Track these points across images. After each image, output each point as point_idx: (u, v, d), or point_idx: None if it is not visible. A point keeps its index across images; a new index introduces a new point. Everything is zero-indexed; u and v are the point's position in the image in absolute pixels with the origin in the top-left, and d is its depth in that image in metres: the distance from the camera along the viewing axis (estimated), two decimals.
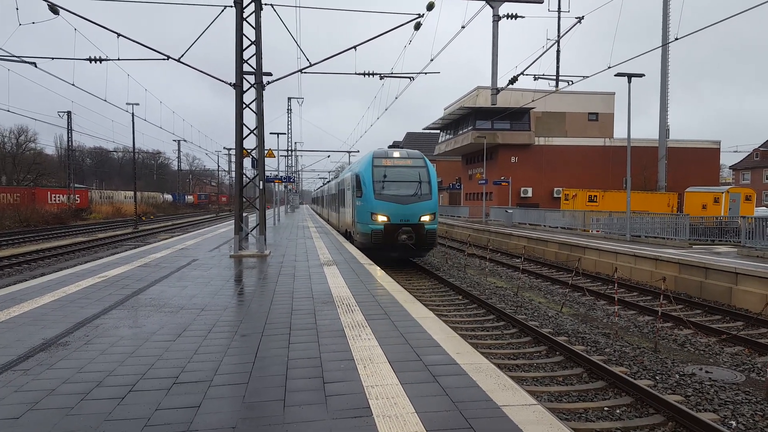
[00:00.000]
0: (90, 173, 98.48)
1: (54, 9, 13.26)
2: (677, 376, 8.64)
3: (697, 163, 46.87)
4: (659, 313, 11.53)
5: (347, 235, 23.21)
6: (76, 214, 55.11)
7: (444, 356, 5.52)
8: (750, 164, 79.71)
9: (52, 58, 15.92)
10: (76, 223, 49.71)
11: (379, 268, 12.75)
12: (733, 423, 6.91)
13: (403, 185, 19.52)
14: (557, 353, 9.69)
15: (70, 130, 61.13)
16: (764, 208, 52.60)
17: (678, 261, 16.61)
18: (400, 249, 19.27)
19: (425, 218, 19.18)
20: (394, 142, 23.47)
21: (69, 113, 60.73)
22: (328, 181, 52.38)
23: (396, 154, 20.40)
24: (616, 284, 13.51)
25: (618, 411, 7.22)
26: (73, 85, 17.27)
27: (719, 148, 49.49)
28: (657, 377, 8.60)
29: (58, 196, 56.91)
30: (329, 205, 38.76)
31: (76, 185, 61.92)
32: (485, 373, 4.96)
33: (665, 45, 30.67)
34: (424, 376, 4.89)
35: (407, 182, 19.61)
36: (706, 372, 8.99)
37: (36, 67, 16.17)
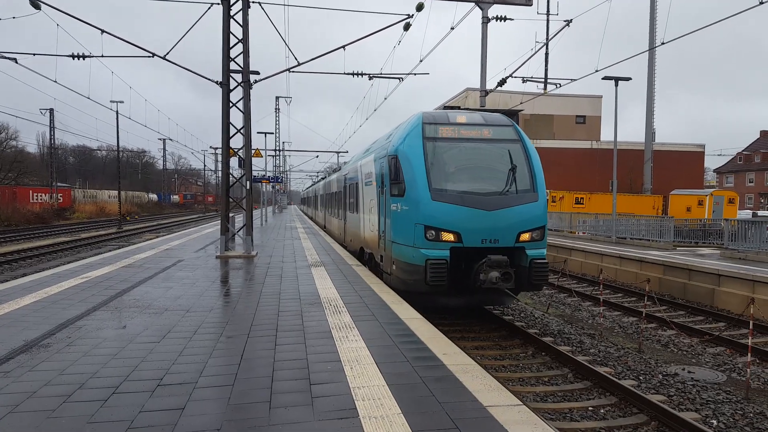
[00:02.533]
0: (73, 172, 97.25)
1: (35, 4, 13.06)
2: (660, 376, 8.74)
3: (681, 166, 47.47)
4: (643, 314, 11.65)
5: (364, 258, 14.32)
6: (59, 213, 54.40)
7: (431, 357, 5.52)
8: (733, 168, 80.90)
9: (34, 54, 15.73)
10: (59, 223, 49.09)
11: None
12: (714, 422, 7.00)
13: (483, 175, 10.37)
14: (543, 354, 9.75)
15: (52, 127, 60.40)
16: (747, 211, 53.38)
17: (662, 263, 16.79)
18: (483, 294, 10.65)
19: (527, 236, 10.06)
20: None
21: (51, 111, 60.04)
22: (321, 178, 41.59)
23: (462, 117, 10.99)
24: (601, 285, 13.62)
25: (602, 411, 7.29)
26: (55, 82, 17.03)
27: (704, 152, 50.18)
28: (641, 377, 8.69)
29: (40, 195, 56.13)
30: (327, 208, 28.16)
31: (58, 184, 61.19)
32: (471, 374, 4.97)
33: (652, 49, 31.03)
34: (411, 377, 4.88)
35: (489, 169, 10.44)
36: (689, 372, 9.09)
37: (17, 63, 15.92)
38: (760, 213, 43.53)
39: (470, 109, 12.24)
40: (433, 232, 9.77)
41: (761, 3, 12.45)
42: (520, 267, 10.03)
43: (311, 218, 45.35)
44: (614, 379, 8.06)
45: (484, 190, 10.09)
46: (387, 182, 11.12)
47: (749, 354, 8.72)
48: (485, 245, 9.82)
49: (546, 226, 10.42)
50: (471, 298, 10.70)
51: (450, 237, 9.76)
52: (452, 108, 12.39)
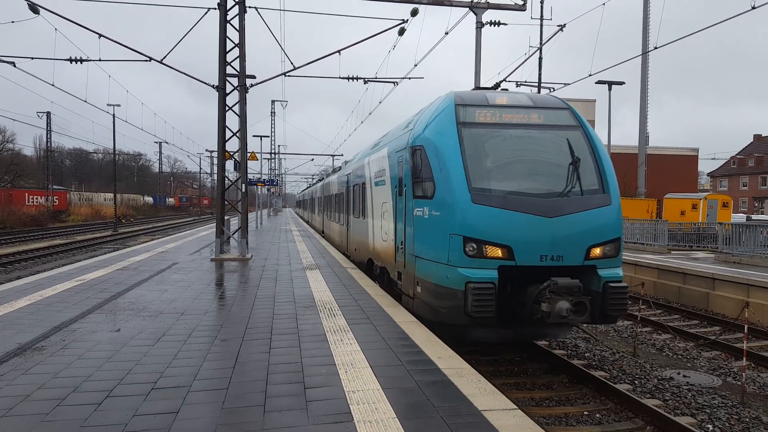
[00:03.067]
0: (69, 175, 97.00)
1: (34, 8, 13.08)
2: (656, 381, 8.76)
3: (675, 169, 47.72)
4: (638, 318, 11.68)
5: (374, 272, 12.32)
6: (55, 216, 54.21)
7: (426, 360, 5.52)
8: (727, 171, 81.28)
9: (32, 58, 15.72)
10: (55, 226, 48.88)
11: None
12: (710, 427, 7.01)
13: (537, 170, 8.12)
14: (539, 358, 9.76)
15: (49, 130, 60.20)
16: (741, 214, 53.64)
17: (657, 266, 16.85)
18: (539, 326, 8.34)
19: (599, 251, 7.80)
20: None
21: (48, 114, 59.85)
22: (319, 179, 38.66)
23: (503, 98, 8.83)
24: None
25: (598, 415, 7.29)
26: (53, 85, 17.05)
27: (697, 156, 50.50)
28: (636, 381, 8.70)
29: (36, 198, 55.98)
30: (326, 212, 25.84)
31: (54, 187, 60.93)
32: (467, 378, 4.98)
33: (645, 53, 31.17)
34: (406, 381, 4.88)
35: (543, 163, 8.21)
36: (684, 376, 9.12)
37: (15, 66, 15.92)
38: (754, 217, 43.74)
39: (510, 92, 9.68)
40: (475, 246, 7.39)
41: (753, 8, 12.57)
42: (590, 292, 7.58)
43: (308, 222, 43.53)
44: (610, 383, 8.07)
45: (541, 191, 7.74)
46: (408, 181, 8.98)
47: (744, 358, 8.74)
48: (545, 263, 7.45)
49: (622, 237, 8.02)
50: (521, 330, 8.42)
51: (498, 252, 7.39)
52: (485, 89, 10.01)
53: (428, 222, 8.16)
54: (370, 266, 12.87)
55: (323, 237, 25.74)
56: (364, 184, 13.48)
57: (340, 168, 22.08)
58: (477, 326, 7.86)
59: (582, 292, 7.31)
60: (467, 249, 7.42)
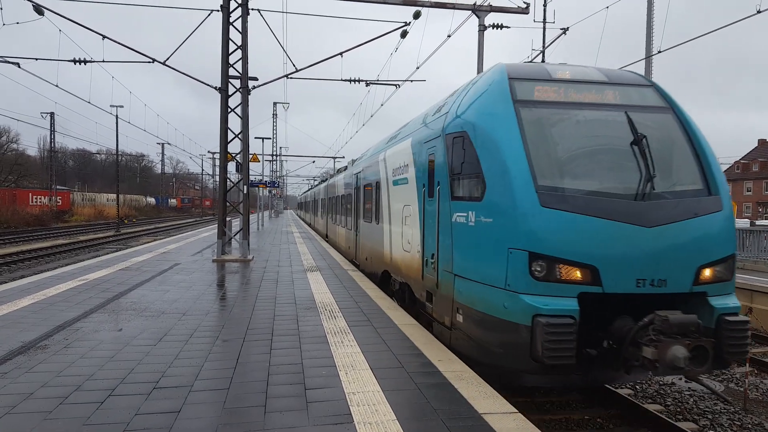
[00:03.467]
0: (72, 175, 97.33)
1: (39, 10, 13.16)
2: (657, 386, 8.75)
3: None
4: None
5: (392, 287, 10.64)
6: (58, 216, 54.41)
7: (426, 363, 5.53)
8: (731, 176, 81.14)
9: (36, 59, 15.80)
10: (58, 225, 49.06)
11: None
12: None
13: (622, 164, 6.10)
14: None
15: (53, 131, 60.50)
16: (745, 220, 53.54)
17: None
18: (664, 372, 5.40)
19: (709, 272, 5.77)
20: None
21: (52, 114, 60.16)
22: (322, 180, 36.89)
23: (566, 73, 6.95)
24: None
25: (599, 420, 7.28)
26: (56, 86, 17.15)
27: None
28: (637, 386, 8.69)
29: (40, 198, 56.15)
30: (331, 215, 24.27)
31: (58, 187, 61.16)
32: (467, 381, 4.98)
33: (648, 57, 31.17)
34: (406, 383, 4.90)
35: (629, 155, 6.11)
36: (686, 382, 9.10)
37: (19, 67, 16.00)
38: (758, 222, 43.64)
39: (575, 66, 7.31)
40: (545, 265, 5.47)
41: (759, 12, 12.59)
42: (706, 328, 5.62)
43: (310, 225, 42.03)
44: (611, 388, 8.06)
45: (631, 191, 5.82)
46: (443, 177, 7.18)
47: (747, 364, 8.72)
48: (642, 290, 5.52)
49: (736, 254, 6.14)
50: (594, 374, 6.17)
51: (577, 274, 5.47)
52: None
53: (475, 231, 6.29)
54: (385, 280, 11.09)
55: (327, 241, 24.34)
56: (378, 183, 11.79)
57: (346, 168, 20.30)
58: (546, 374, 5.65)
59: (701, 332, 5.40)
60: (534, 269, 5.48)
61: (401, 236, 9.50)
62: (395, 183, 10.20)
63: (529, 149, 5.89)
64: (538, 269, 5.48)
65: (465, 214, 6.51)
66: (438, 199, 7.34)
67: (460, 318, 6.57)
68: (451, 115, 7.28)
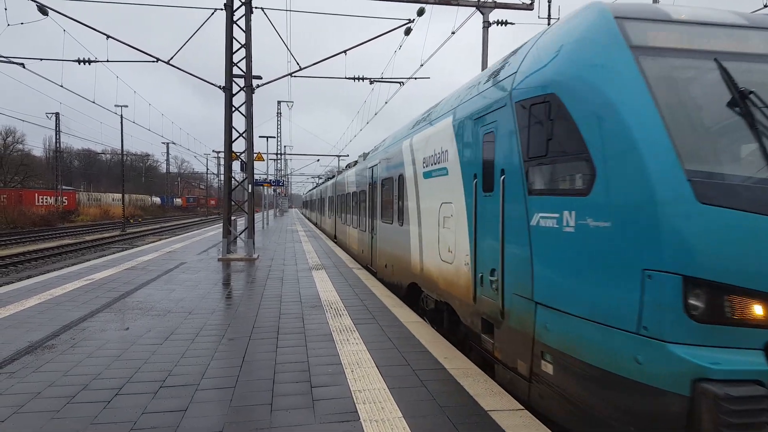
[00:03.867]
0: (78, 175, 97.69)
1: (43, 10, 13.21)
2: None
3: None
4: None
5: (422, 303, 8.72)
6: (64, 216, 54.63)
7: (432, 360, 5.54)
8: None
9: (41, 59, 15.88)
10: (64, 226, 49.25)
11: None
12: None
13: None
14: None
15: (58, 131, 60.70)
16: None
17: None
18: None
19: None
20: None
21: (57, 114, 60.39)
22: (328, 178, 34.66)
23: (686, 14, 4.52)
24: None
25: None
26: (61, 86, 17.19)
27: None
28: None
29: (46, 198, 56.44)
30: (340, 214, 22.27)
31: (63, 187, 61.42)
32: (473, 378, 4.99)
33: None
34: (412, 381, 4.90)
35: None
36: None
37: (24, 68, 16.07)
38: None
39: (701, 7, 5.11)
40: (709, 297, 3.51)
41: (765, 6, 12.53)
42: None
43: (316, 224, 40.21)
44: None
45: None
46: (514, 163, 5.11)
47: None
48: None
49: None
50: None
51: (765, 312, 3.47)
52: None
53: (575, 240, 4.27)
54: (414, 294, 9.24)
55: (335, 243, 22.71)
56: (401, 176, 9.87)
57: (356, 162, 18.28)
58: None
59: None
60: (692, 303, 3.51)
61: (437, 242, 7.58)
62: (427, 175, 8.21)
63: (664, 116, 3.89)
64: (699, 303, 3.50)
65: (556, 216, 4.49)
66: (502, 194, 5.30)
67: (549, 368, 4.48)
68: (524, 72, 5.18)
